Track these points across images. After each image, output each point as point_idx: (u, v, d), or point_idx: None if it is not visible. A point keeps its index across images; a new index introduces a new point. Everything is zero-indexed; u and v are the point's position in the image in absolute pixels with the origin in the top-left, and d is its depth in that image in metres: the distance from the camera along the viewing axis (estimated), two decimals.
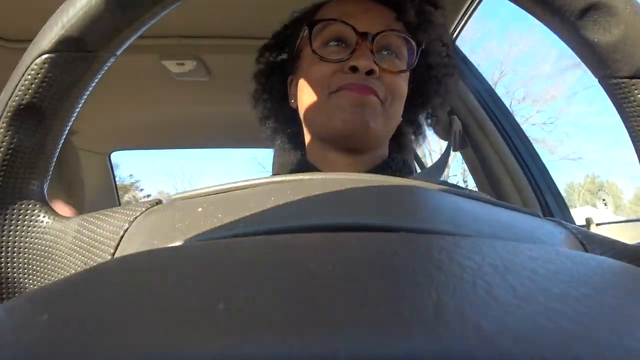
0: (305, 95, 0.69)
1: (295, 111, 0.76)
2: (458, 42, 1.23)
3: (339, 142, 0.67)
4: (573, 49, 0.32)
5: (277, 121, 0.83)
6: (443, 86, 0.77)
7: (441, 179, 0.78)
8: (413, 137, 0.84)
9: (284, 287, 0.15)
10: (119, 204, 2.10)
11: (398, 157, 0.73)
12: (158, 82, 1.42)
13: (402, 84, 0.68)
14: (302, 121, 0.73)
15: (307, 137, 0.75)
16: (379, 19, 0.67)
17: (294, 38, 0.74)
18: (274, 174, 0.93)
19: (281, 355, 0.11)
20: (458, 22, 1.12)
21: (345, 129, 0.63)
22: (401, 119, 0.72)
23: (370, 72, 0.62)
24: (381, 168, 0.70)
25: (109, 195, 2.04)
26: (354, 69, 0.62)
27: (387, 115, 0.66)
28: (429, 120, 0.84)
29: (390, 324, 0.12)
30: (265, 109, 0.82)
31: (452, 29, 1.14)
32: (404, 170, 0.71)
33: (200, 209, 0.29)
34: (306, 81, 0.68)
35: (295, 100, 0.74)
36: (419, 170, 1.31)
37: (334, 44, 0.66)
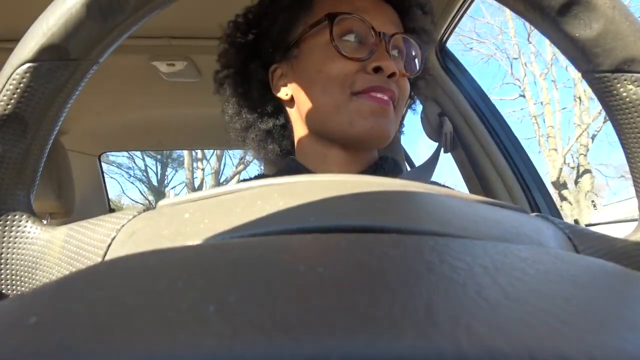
0: (315, 92, 0.65)
1: (278, 105, 0.73)
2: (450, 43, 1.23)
3: (351, 144, 0.66)
4: (555, 44, 0.32)
5: (255, 115, 0.75)
6: (425, 69, 0.77)
7: (432, 180, 0.78)
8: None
9: (274, 289, 0.15)
10: (109, 206, 2.08)
11: (390, 158, 0.72)
12: (148, 82, 1.41)
13: (409, 87, 0.68)
14: (301, 118, 0.69)
15: (301, 134, 0.71)
16: (390, 18, 0.66)
17: (285, 23, 0.68)
18: (264, 173, 0.92)
19: (272, 357, 0.11)
20: (448, 24, 1.13)
21: (366, 136, 0.62)
22: None
23: (392, 75, 0.61)
24: (374, 169, 0.69)
25: (99, 196, 2.02)
26: (377, 70, 0.61)
27: (397, 119, 0.66)
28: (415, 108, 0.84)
29: (381, 325, 0.12)
30: (238, 101, 0.75)
31: (442, 30, 1.15)
32: (396, 170, 0.71)
33: (187, 215, 0.29)
34: (319, 77, 0.64)
35: (283, 93, 0.70)
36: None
37: (351, 40, 0.63)
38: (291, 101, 0.70)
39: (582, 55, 0.31)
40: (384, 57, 0.61)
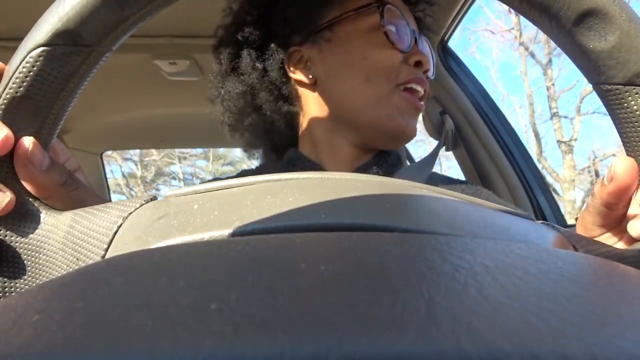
0: (357, 79, 0.62)
1: (292, 89, 0.69)
2: (450, 43, 1.23)
3: (376, 137, 0.65)
4: (568, 54, 0.32)
5: (269, 97, 0.71)
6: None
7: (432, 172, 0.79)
8: None
9: (275, 287, 0.15)
10: None
11: (394, 152, 0.72)
12: (150, 81, 1.41)
13: None
14: (322, 104, 0.66)
15: (314, 122, 0.69)
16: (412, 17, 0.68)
17: (313, 5, 0.66)
18: (262, 162, 0.89)
19: (273, 355, 0.11)
20: (450, 23, 1.13)
21: (398, 132, 0.63)
22: None
23: (426, 71, 0.64)
24: (377, 160, 0.69)
25: (101, 194, 2.02)
26: (418, 64, 0.63)
27: None
28: None
29: (382, 323, 0.12)
30: (247, 79, 0.71)
31: (444, 29, 1.15)
32: (398, 164, 0.71)
33: (195, 206, 0.29)
34: (364, 63, 0.62)
35: (304, 76, 0.66)
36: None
37: (393, 31, 0.63)
38: (313, 85, 0.67)
39: (594, 67, 0.31)
40: (420, 52, 0.63)
